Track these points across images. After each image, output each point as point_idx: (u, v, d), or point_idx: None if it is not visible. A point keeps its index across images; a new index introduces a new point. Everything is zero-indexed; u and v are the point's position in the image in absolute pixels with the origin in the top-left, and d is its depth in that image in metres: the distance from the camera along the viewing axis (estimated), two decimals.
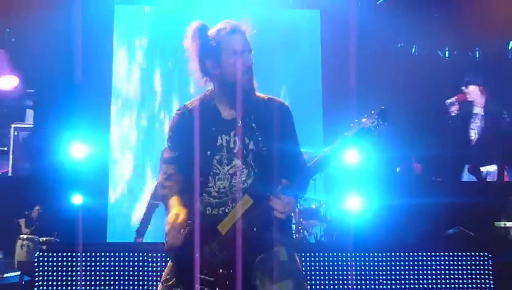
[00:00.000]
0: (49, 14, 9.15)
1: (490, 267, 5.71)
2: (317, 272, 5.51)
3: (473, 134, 9.55)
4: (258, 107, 3.28)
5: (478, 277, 5.67)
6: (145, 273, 5.58)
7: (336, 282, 5.51)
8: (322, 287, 5.48)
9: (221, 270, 3.06)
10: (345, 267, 5.54)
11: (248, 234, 3.03)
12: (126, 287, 5.44)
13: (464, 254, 5.76)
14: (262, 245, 3.10)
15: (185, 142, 3.29)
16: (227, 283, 3.04)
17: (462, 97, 9.59)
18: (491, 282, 5.66)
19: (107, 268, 5.51)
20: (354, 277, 5.52)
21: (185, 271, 3.11)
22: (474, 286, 5.64)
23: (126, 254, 5.52)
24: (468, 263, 5.72)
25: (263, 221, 3.02)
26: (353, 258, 5.57)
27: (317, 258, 5.57)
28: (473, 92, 9.48)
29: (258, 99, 3.31)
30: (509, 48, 10.44)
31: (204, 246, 3.11)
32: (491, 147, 9.33)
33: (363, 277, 5.55)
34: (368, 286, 5.53)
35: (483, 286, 5.65)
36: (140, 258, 5.59)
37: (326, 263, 5.55)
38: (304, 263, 5.50)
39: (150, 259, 5.58)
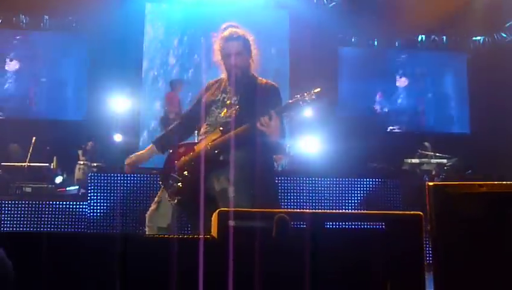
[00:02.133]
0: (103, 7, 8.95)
1: (398, 188, 5.76)
2: (284, 189, 5.51)
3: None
4: (249, 84, 3.28)
5: (391, 194, 5.71)
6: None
7: (295, 195, 5.53)
8: (287, 197, 5.50)
9: (185, 173, 3.23)
10: (301, 186, 5.57)
11: (210, 153, 3.16)
12: (150, 199, 5.40)
13: (380, 180, 5.78)
14: (216, 160, 3.16)
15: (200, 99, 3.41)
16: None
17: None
18: (399, 197, 5.72)
19: (138, 185, 5.44)
20: (307, 192, 5.54)
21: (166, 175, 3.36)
22: (387, 199, 5.68)
23: (150, 176, 5.44)
24: (383, 185, 5.74)
25: (222, 147, 3.14)
26: (307, 180, 5.60)
27: (284, 180, 5.57)
28: (401, 80, 10.69)
29: (252, 80, 3.30)
30: (419, 40, 10.39)
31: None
32: None
33: (312, 193, 5.58)
34: (315, 198, 5.55)
35: (391, 191, 5.71)
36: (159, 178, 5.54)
37: (289, 183, 5.57)
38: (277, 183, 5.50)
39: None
